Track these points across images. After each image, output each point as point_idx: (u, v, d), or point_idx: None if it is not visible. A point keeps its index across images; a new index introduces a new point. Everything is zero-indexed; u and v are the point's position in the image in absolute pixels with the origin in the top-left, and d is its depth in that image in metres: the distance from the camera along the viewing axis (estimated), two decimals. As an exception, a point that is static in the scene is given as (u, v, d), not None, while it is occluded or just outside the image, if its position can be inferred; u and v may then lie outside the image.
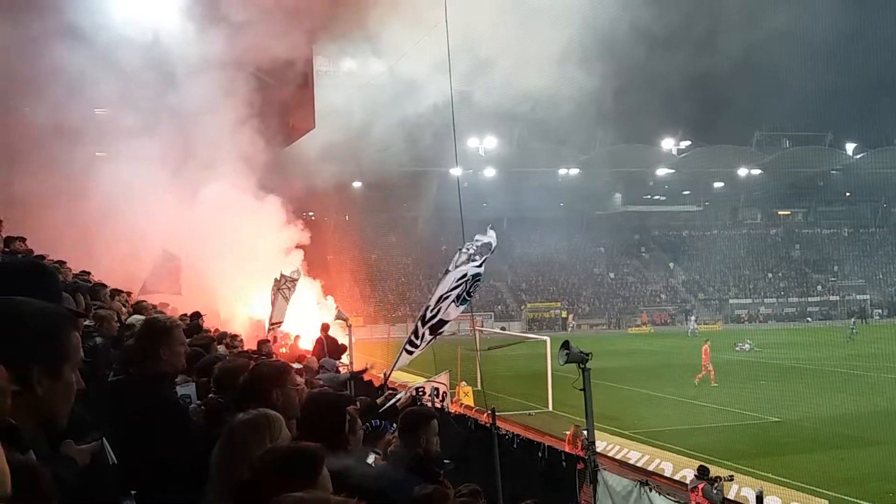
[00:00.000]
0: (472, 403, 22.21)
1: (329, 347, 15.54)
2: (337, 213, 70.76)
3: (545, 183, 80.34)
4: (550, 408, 26.36)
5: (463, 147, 70.10)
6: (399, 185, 73.16)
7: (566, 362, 8.93)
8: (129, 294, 13.59)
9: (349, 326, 17.24)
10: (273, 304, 18.95)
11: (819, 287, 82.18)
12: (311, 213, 57.57)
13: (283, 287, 18.83)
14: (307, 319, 19.29)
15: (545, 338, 31.57)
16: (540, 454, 10.09)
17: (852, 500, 16.20)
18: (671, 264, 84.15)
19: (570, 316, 71.76)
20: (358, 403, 8.02)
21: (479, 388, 25.20)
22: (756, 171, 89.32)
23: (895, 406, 27.09)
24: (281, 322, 18.54)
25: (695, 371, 34.50)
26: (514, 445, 10.50)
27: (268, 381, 4.38)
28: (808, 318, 75.53)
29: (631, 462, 18.54)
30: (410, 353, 11.17)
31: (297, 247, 25.05)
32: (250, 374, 4.61)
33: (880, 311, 74.04)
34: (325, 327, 16.87)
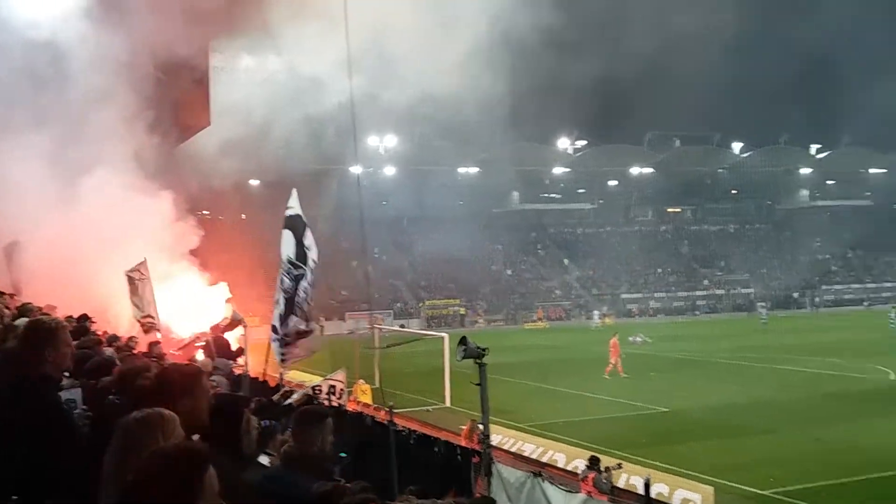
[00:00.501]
0: (370, 401, 22.19)
1: (222, 349, 15.26)
2: (233, 211, 69.54)
3: (445, 181, 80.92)
4: (448, 403, 26.58)
5: (364, 145, 69.89)
6: (298, 184, 72.24)
7: (463, 358, 9.08)
8: (11, 296, 13.08)
9: (245, 327, 17.00)
10: (133, 300, 18.34)
11: (706, 282, 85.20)
12: (205, 212, 56.41)
13: (136, 281, 18.26)
14: (199, 320, 18.86)
15: (443, 334, 31.82)
16: (436, 449, 10.21)
17: (736, 486, 16.88)
18: (566, 261, 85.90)
19: (469, 312, 72.49)
20: (253, 404, 7.97)
21: (378, 385, 25.23)
22: (648, 170, 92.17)
23: (779, 395, 28.49)
24: (153, 316, 17.87)
25: (592, 365, 35.37)
26: (411, 441, 10.59)
27: (177, 386, 4.15)
28: (696, 312, 78.33)
29: (525, 454, 18.89)
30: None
31: (190, 247, 24.50)
32: (158, 378, 4.39)
33: (764, 304, 77.20)
34: (217, 328, 16.53)
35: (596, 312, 70.12)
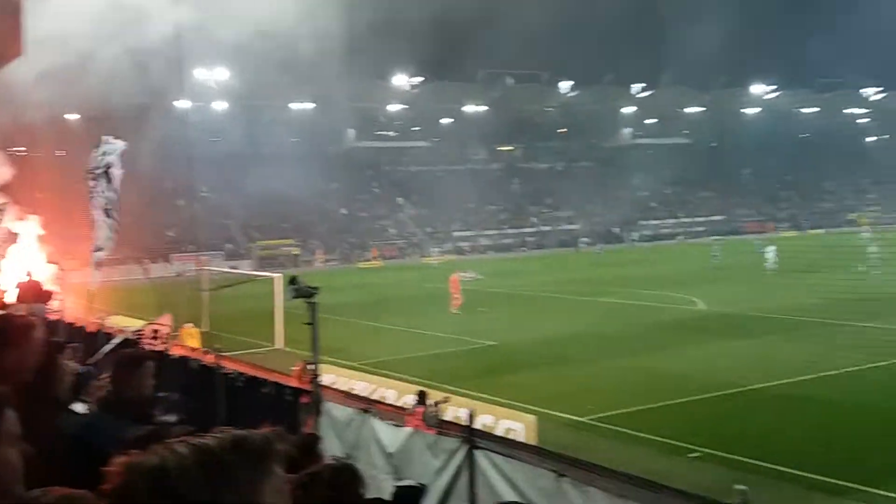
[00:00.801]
0: (198, 345, 21.76)
1: (34, 292, 14.48)
2: (50, 147, 65.34)
3: (278, 118, 79.11)
4: (282, 345, 26.45)
5: (192, 79, 67.15)
6: (121, 118, 68.74)
7: (294, 297, 9.03)
8: None
9: (62, 270, 16.23)
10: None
11: (534, 219, 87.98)
12: (21, 148, 52.85)
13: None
14: (13, 263, 17.83)
15: (275, 275, 31.47)
16: (265, 390, 10.20)
17: (558, 414, 17.77)
18: (400, 200, 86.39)
19: (303, 252, 71.86)
20: (70, 350, 7.69)
21: (207, 329, 24.76)
22: (482, 108, 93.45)
23: (600, 327, 30.02)
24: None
25: (424, 302, 36.05)
26: (239, 384, 10.52)
27: (4, 337, 3.90)
28: (524, 248, 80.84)
29: (357, 392, 19.12)
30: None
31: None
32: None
33: (587, 239, 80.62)
34: (29, 272, 15.67)
35: (435, 250, 71.38)
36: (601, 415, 17.78)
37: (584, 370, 22.79)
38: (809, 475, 13.41)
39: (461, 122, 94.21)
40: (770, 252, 47.80)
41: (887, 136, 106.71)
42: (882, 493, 12.47)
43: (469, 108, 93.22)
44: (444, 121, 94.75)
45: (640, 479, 6.02)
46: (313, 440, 6.49)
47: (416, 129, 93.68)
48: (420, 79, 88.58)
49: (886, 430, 15.94)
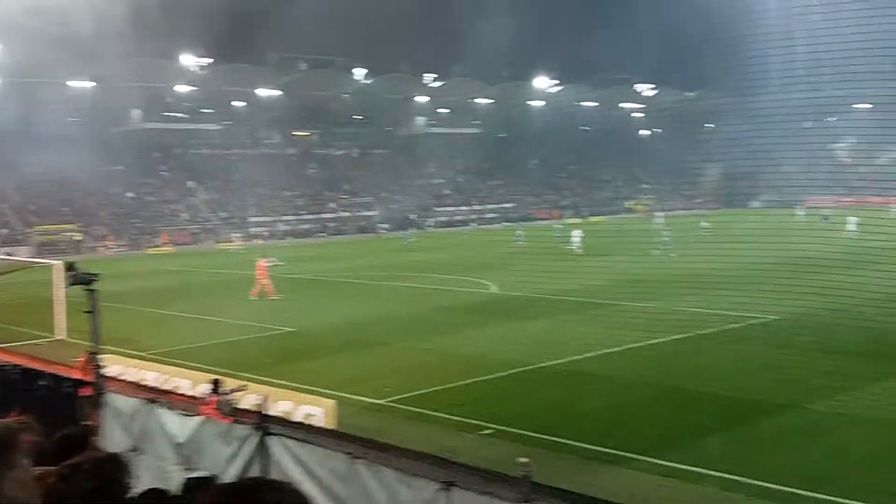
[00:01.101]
0: (-32, 337, 20.13)
1: None
2: None
3: (55, 96, 74.01)
4: (65, 336, 24.92)
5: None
6: None
7: (71, 285, 8.62)
8: None
9: None
10: None
11: (332, 204, 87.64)
12: None
13: None
14: None
15: (54, 262, 29.53)
16: (42, 383, 9.60)
17: (356, 397, 17.88)
18: (191, 183, 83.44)
19: (86, 238, 67.89)
20: None
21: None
22: (275, 93, 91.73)
23: (397, 310, 30.43)
24: None
25: (218, 289, 35.06)
26: (14, 376, 9.85)
27: None
28: (323, 234, 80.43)
29: (146, 383, 18.35)
30: None
31: None
32: None
33: (385, 226, 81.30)
34: None
35: (236, 235, 69.65)
36: (398, 397, 18.04)
37: (382, 354, 23.03)
38: (591, 446, 14.23)
39: (254, 105, 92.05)
40: (576, 236, 50.31)
41: (659, 130, 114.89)
42: (656, 461, 13.44)
43: (262, 92, 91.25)
44: (236, 104, 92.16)
45: (432, 457, 6.17)
46: (86, 432, 6.16)
47: (207, 111, 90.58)
48: (209, 60, 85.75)
49: (660, 403, 17.22)
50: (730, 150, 73.32)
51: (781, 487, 12.08)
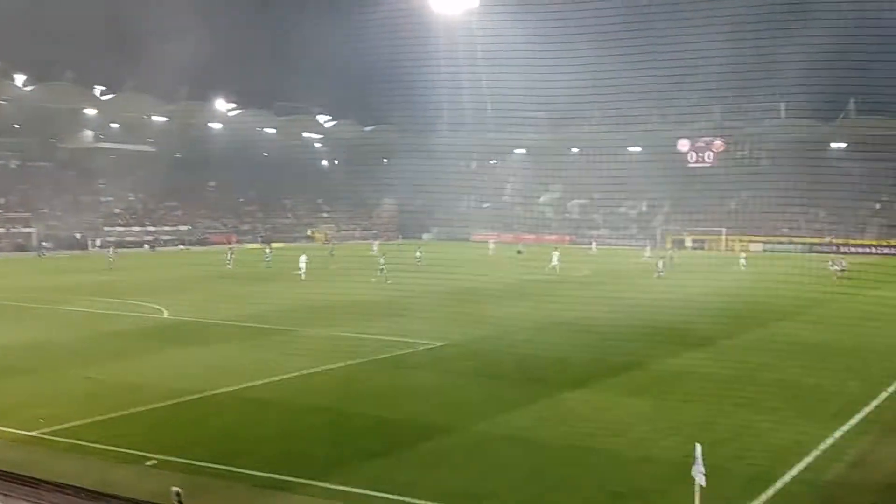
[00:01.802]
0: None
1: None
2: None
3: None
4: None
5: None
6: None
7: None
8: None
9: None
10: None
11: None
12: None
13: None
14: None
15: None
16: None
17: (3, 430, 16.37)
18: None
19: None
20: None
21: None
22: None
23: (56, 336, 28.25)
24: None
25: None
26: None
27: None
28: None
29: None
30: None
31: None
32: None
33: (48, 244, 75.28)
34: None
35: None
36: (56, 427, 16.70)
37: (36, 382, 21.23)
38: (263, 473, 14.14)
39: None
40: (302, 262, 50.31)
41: (336, 161, 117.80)
42: (325, 485, 13.66)
43: None
44: None
45: (89, 491, 5.90)
46: None
47: None
48: None
49: (332, 427, 17.54)
50: (404, 184, 76.86)
51: (440, 506, 12.78)
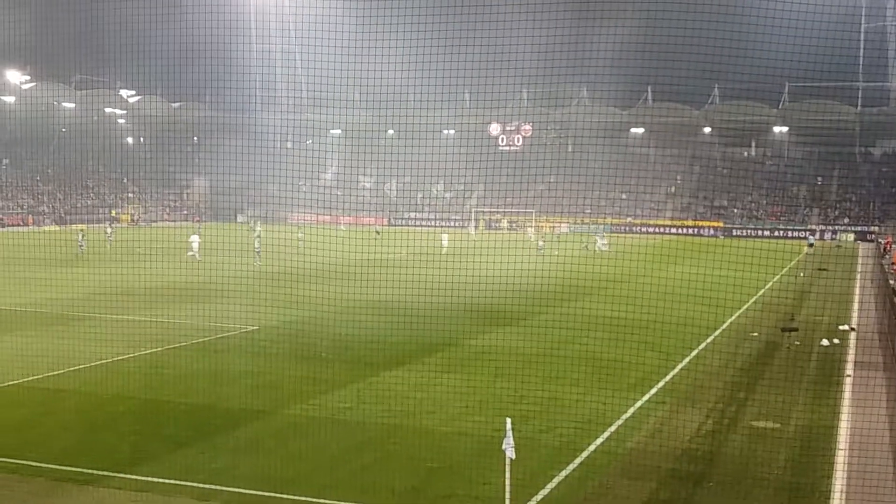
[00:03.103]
0: None
1: None
2: None
3: None
4: None
5: None
6: None
7: None
8: None
9: None
10: None
11: None
12: None
13: None
14: None
15: None
16: None
17: None
18: None
19: None
20: None
21: None
22: None
23: None
24: None
25: None
26: None
27: None
28: None
29: None
30: None
31: None
32: None
33: None
34: None
35: None
36: None
37: None
38: (62, 467, 13.40)
39: None
40: (194, 241, 48.52)
41: (142, 138, 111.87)
42: (132, 477, 13.09)
43: None
44: None
45: None
46: None
47: None
48: None
49: (139, 416, 16.80)
50: (215, 164, 74.22)
51: (255, 492, 12.47)
